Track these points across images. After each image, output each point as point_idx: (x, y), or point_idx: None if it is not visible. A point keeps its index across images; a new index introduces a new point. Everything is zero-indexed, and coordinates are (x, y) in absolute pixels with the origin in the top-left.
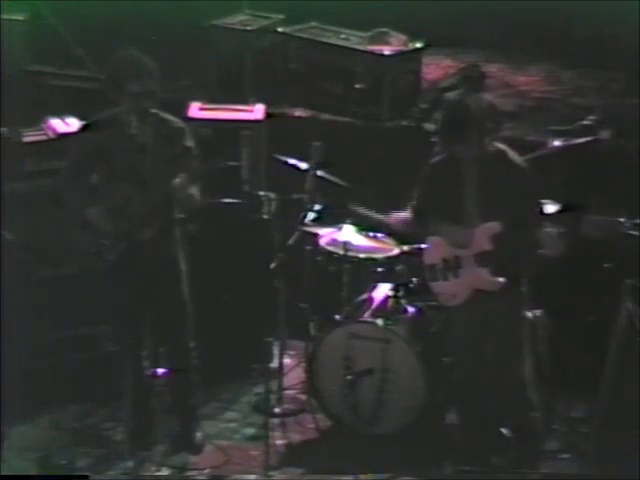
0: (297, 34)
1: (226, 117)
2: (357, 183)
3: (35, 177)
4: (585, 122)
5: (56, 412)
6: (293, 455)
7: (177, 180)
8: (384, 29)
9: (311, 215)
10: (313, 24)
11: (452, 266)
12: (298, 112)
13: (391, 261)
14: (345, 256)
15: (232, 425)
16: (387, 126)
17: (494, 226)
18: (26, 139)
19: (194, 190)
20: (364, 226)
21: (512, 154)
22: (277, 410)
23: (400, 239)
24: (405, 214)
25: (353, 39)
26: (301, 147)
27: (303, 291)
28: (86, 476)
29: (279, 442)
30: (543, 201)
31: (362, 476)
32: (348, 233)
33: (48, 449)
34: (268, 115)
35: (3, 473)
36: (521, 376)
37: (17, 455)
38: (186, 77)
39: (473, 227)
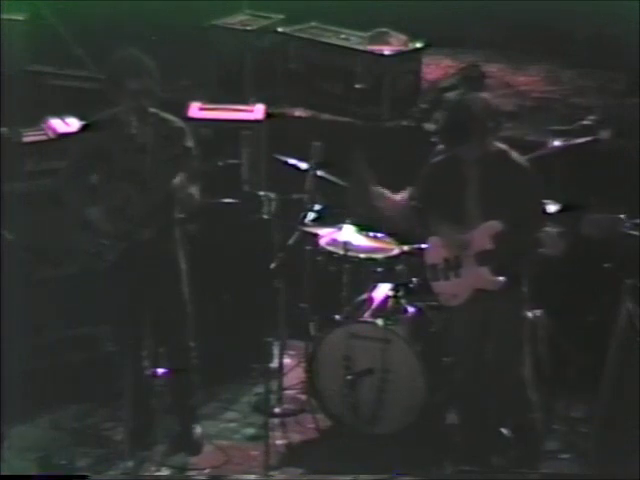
0: (297, 34)
1: (226, 117)
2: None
3: (35, 177)
4: (585, 122)
5: (56, 412)
6: (293, 455)
7: (177, 180)
8: (384, 29)
9: (311, 215)
10: (313, 24)
11: (453, 265)
12: (298, 112)
13: (391, 261)
14: (345, 256)
15: (232, 425)
16: (387, 126)
17: (495, 225)
18: (26, 139)
19: (194, 190)
20: (364, 226)
21: (514, 154)
22: (277, 410)
23: (400, 239)
24: (400, 199)
25: (353, 39)
26: (301, 147)
27: (303, 291)
28: (85, 476)
29: (279, 442)
30: (544, 201)
31: (362, 476)
32: (348, 233)
33: (48, 449)
34: (268, 115)
35: (3, 473)
36: (521, 376)
37: (17, 455)
38: (186, 77)
39: (474, 227)
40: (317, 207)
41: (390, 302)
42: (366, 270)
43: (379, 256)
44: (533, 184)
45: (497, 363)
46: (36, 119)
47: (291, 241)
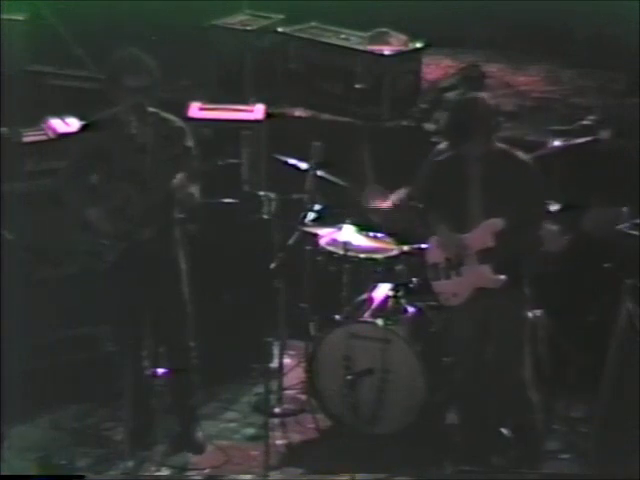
0: (297, 34)
1: (226, 117)
2: (357, 183)
3: (35, 177)
4: (585, 122)
5: (56, 412)
6: (293, 455)
7: (177, 179)
8: (384, 29)
9: (311, 215)
10: (313, 24)
11: (455, 264)
12: (298, 112)
13: (391, 261)
14: (345, 256)
15: (232, 425)
16: (387, 126)
17: (497, 222)
18: (26, 139)
19: (194, 189)
20: (364, 226)
21: (516, 151)
22: (277, 410)
23: (400, 239)
24: (397, 197)
25: (353, 39)
26: (301, 147)
27: (303, 291)
28: (82, 476)
29: (279, 442)
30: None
31: (359, 475)
32: (348, 233)
33: (48, 449)
34: (268, 115)
35: (3, 473)
36: (521, 376)
37: (17, 455)
38: (186, 77)
39: (476, 226)
40: (317, 207)
41: (390, 302)
42: (366, 270)
43: (379, 256)
44: (536, 180)
45: (497, 363)
46: (36, 119)
47: (291, 241)
